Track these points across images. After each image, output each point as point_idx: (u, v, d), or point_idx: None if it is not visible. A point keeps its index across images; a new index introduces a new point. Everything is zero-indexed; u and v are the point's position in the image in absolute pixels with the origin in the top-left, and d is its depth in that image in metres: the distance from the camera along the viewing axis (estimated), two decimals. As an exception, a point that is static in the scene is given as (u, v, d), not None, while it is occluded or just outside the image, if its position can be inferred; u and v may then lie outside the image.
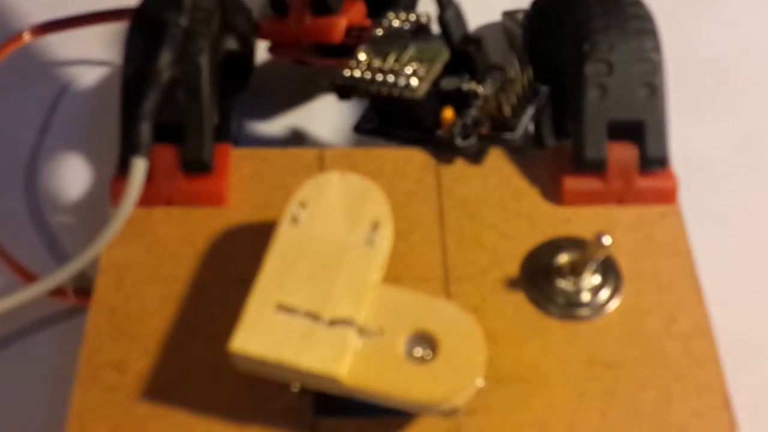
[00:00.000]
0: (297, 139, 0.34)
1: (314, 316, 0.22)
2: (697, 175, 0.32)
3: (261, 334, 0.22)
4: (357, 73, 0.28)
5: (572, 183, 0.27)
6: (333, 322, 0.22)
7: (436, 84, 0.28)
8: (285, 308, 0.22)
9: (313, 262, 0.23)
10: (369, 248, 0.24)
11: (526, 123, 0.28)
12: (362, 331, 0.22)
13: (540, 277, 0.25)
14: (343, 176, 0.25)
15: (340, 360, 0.22)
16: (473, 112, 0.28)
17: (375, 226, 0.24)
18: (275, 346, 0.22)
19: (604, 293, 0.25)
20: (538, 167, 0.28)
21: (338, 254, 0.23)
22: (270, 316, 0.22)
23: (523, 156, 0.28)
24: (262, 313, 0.22)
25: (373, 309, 0.23)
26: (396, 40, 0.30)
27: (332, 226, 0.24)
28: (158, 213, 0.27)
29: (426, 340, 0.22)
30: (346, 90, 0.29)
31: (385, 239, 0.24)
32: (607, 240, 0.24)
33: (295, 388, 0.23)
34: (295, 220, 0.24)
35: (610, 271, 0.26)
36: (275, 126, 0.34)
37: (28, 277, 0.28)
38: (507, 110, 0.27)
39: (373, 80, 0.28)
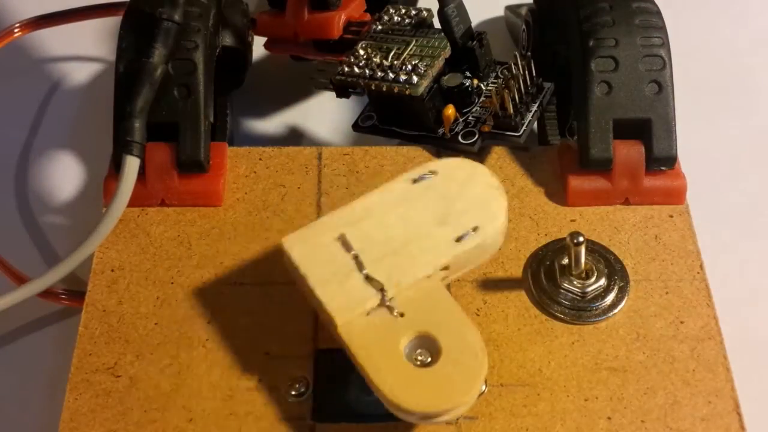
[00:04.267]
0: (294, 137, 0.34)
1: (359, 264, 0.22)
2: (706, 174, 0.31)
3: (310, 247, 0.22)
4: (356, 69, 0.28)
5: (577, 182, 0.27)
6: (369, 279, 0.22)
7: (437, 80, 0.28)
8: (344, 242, 0.22)
9: (397, 225, 0.23)
10: (451, 244, 0.23)
11: (529, 121, 0.28)
12: (386, 302, 0.22)
13: (544, 279, 0.25)
14: (484, 173, 0.24)
15: (346, 310, 0.21)
16: (475, 109, 0.28)
17: (473, 230, 0.23)
18: (311, 262, 0.22)
19: (610, 295, 0.25)
20: (542, 166, 0.28)
21: (423, 233, 0.23)
22: (328, 239, 0.22)
23: (527, 155, 0.28)
24: (325, 233, 0.23)
25: (412, 294, 0.22)
26: (396, 35, 0.29)
27: (438, 208, 0.23)
28: (152, 213, 0.27)
29: (427, 343, 0.22)
30: (344, 86, 0.29)
31: (475, 246, 0.23)
32: (580, 238, 0.23)
33: (291, 398, 0.23)
34: (417, 180, 0.24)
35: (616, 272, 0.25)
36: (272, 124, 0.34)
37: (18, 279, 0.27)
38: (510, 107, 0.27)
39: (372, 76, 0.28)
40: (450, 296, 0.23)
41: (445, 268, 0.23)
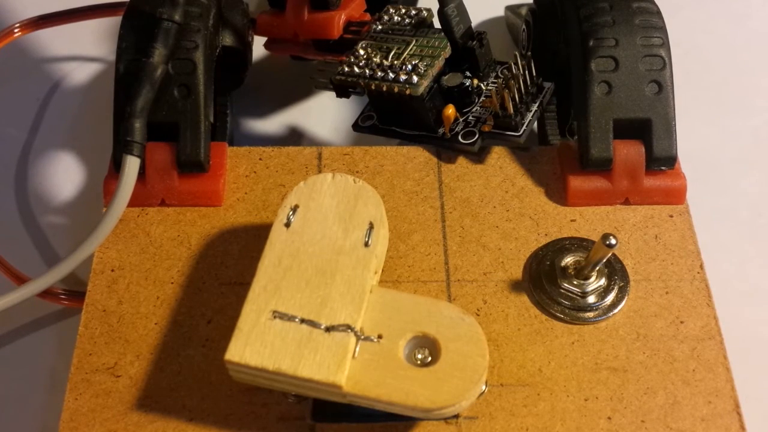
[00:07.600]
0: (294, 137, 0.34)
1: (311, 323, 0.22)
2: (706, 174, 0.31)
3: (257, 343, 0.21)
4: (356, 69, 0.28)
5: (577, 182, 0.27)
6: (331, 328, 0.22)
7: (437, 80, 0.28)
8: (281, 315, 0.22)
9: (308, 267, 0.23)
10: (364, 251, 0.23)
11: (529, 121, 0.28)
12: (361, 336, 0.22)
13: (544, 279, 0.25)
14: (335, 177, 0.24)
15: (339, 367, 0.21)
16: (475, 109, 0.28)
17: (370, 228, 0.23)
18: (272, 355, 0.21)
19: (610, 295, 0.25)
20: (542, 166, 0.28)
21: (333, 258, 0.23)
22: (266, 323, 0.22)
23: (527, 154, 0.28)
24: (258, 321, 0.22)
25: (371, 313, 0.22)
26: (396, 35, 0.29)
27: (326, 228, 0.23)
28: (152, 213, 0.27)
29: (427, 343, 0.22)
30: (344, 86, 0.29)
31: (380, 241, 0.23)
32: (612, 240, 0.23)
33: (291, 399, 0.23)
34: (287, 224, 0.23)
35: (616, 272, 0.25)
36: (272, 124, 0.34)
37: (18, 279, 0.27)
38: (510, 107, 0.27)
39: (372, 76, 0.28)
40: (400, 291, 0.23)
41: (376, 272, 0.23)
